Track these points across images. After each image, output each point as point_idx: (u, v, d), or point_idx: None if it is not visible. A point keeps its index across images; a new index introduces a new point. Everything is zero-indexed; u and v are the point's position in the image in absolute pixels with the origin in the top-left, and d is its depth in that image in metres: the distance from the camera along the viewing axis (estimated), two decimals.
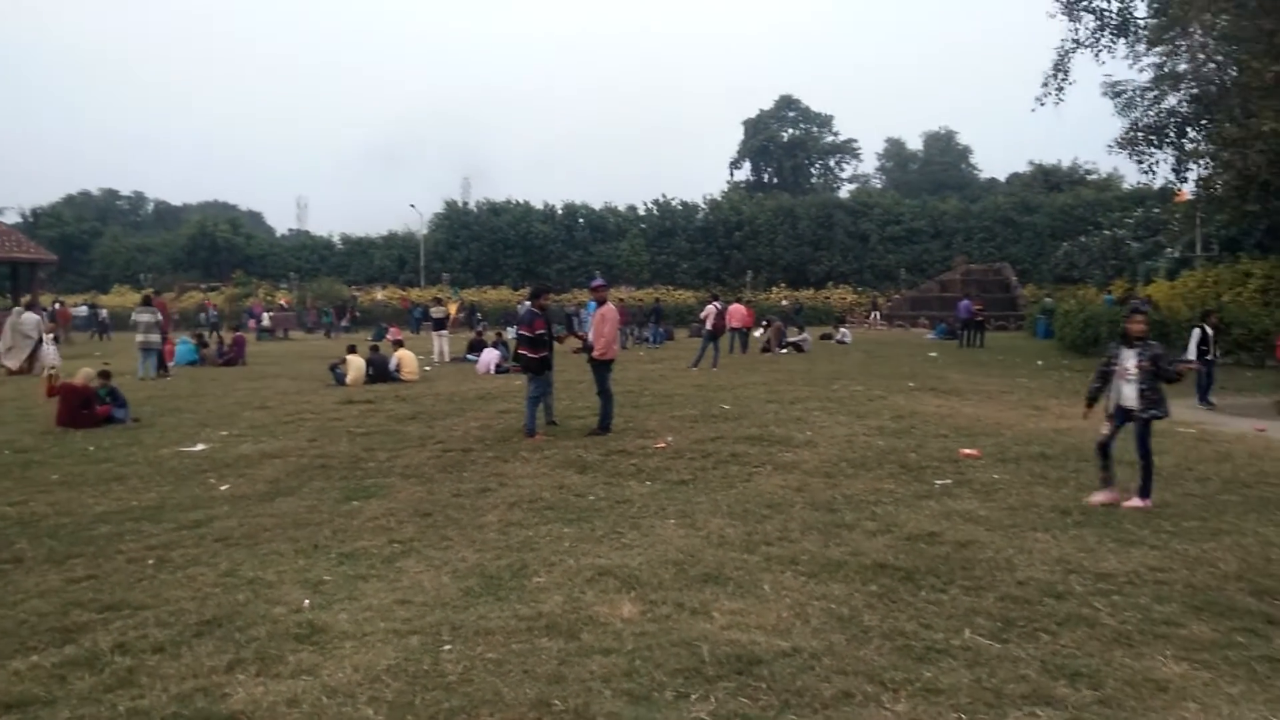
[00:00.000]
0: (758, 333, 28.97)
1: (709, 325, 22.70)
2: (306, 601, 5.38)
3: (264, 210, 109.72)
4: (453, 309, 36.29)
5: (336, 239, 63.70)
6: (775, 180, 75.32)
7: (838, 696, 4.07)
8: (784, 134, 77.01)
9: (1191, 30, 21.04)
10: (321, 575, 5.91)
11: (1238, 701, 4.00)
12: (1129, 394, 7.57)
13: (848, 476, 8.88)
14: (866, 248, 56.20)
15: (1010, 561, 6.03)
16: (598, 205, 61.78)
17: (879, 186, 77.81)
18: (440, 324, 25.89)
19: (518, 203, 61.06)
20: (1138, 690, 4.11)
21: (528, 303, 12.61)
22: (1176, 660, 4.44)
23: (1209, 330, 14.76)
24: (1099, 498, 7.65)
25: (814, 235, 56.89)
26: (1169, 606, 5.18)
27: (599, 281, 12.71)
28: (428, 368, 21.84)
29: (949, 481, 8.60)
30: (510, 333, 25.14)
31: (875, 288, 54.06)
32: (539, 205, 61.00)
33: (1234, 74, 21.21)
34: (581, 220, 60.73)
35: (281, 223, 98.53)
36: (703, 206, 61.04)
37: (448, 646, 4.68)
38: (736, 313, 25.61)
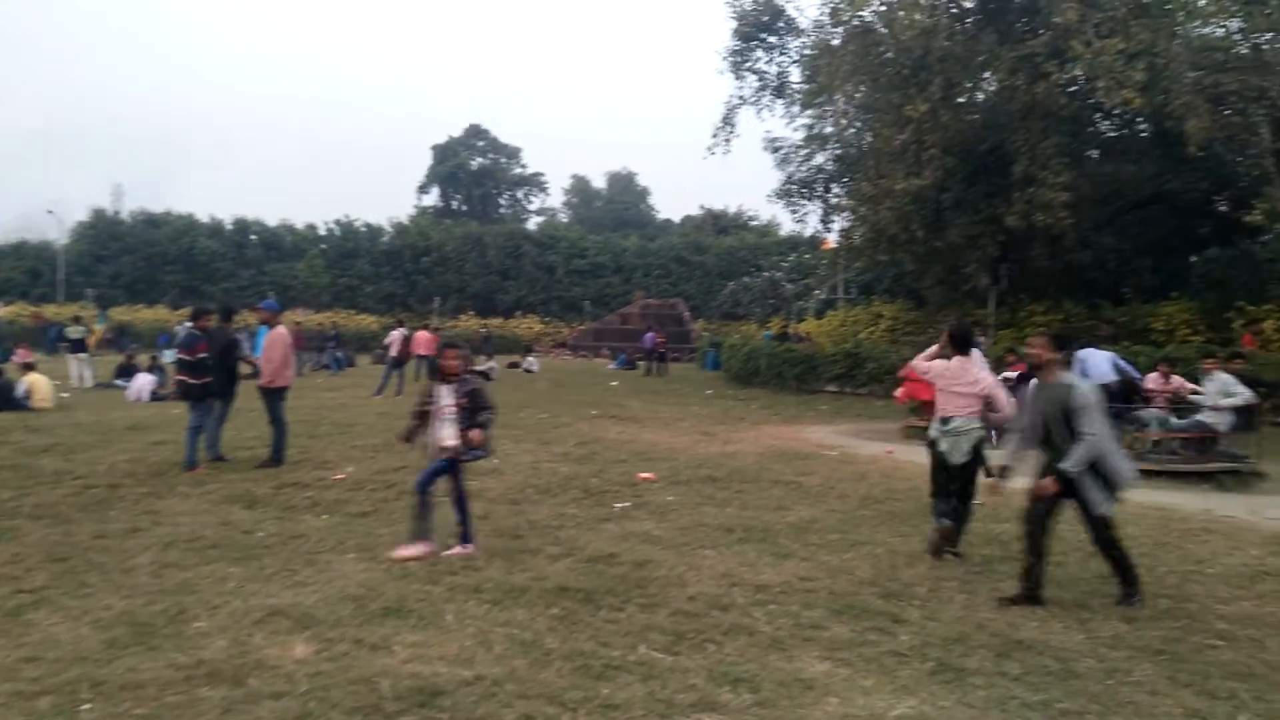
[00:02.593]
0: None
1: (393, 352, 22.12)
2: None
3: None
4: (98, 330, 32.44)
5: None
6: (464, 208, 75.23)
7: None
8: (473, 162, 77.19)
9: (836, 98, 23.78)
10: None
11: (870, 693, 4.51)
12: (447, 433, 6.96)
13: (533, 502, 9.01)
14: (553, 279, 57.57)
15: (682, 578, 6.40)
16: (273, 222, 58.27)
17: (565, 220, 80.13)
18: (78, 345, 23.12)
19: (180, 215, 56.07)
20: (789, 690, 4.52)
21: (189, 323, 11.61)
22: (821, 660, 4.94)
23: None
24: (407, 551, 6.79)
25: (502, 264, 57.39)
26: (815, 612, 5.75)
27: (269, 303, 11.98)
28: (65, 394, 19.36)
29: (628, 504, 8.98)
30: (168, 356, 22.94)
31: (561, 318, 55.48)
32: (205, 219, 56.42)
33: (870, 139, 24.23)
34: (254, 237, 56.91)
35: None
36: (388, 229, 59.52)
37: (87, 706, 4.16)
38: (422, 339, 25.14)
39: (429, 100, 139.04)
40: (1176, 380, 12.99)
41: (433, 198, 77.74)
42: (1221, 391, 11.78)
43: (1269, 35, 19.47)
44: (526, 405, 18.97)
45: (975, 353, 7.96)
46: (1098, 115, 22.99)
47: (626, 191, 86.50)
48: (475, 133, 78.63)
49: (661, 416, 17.61)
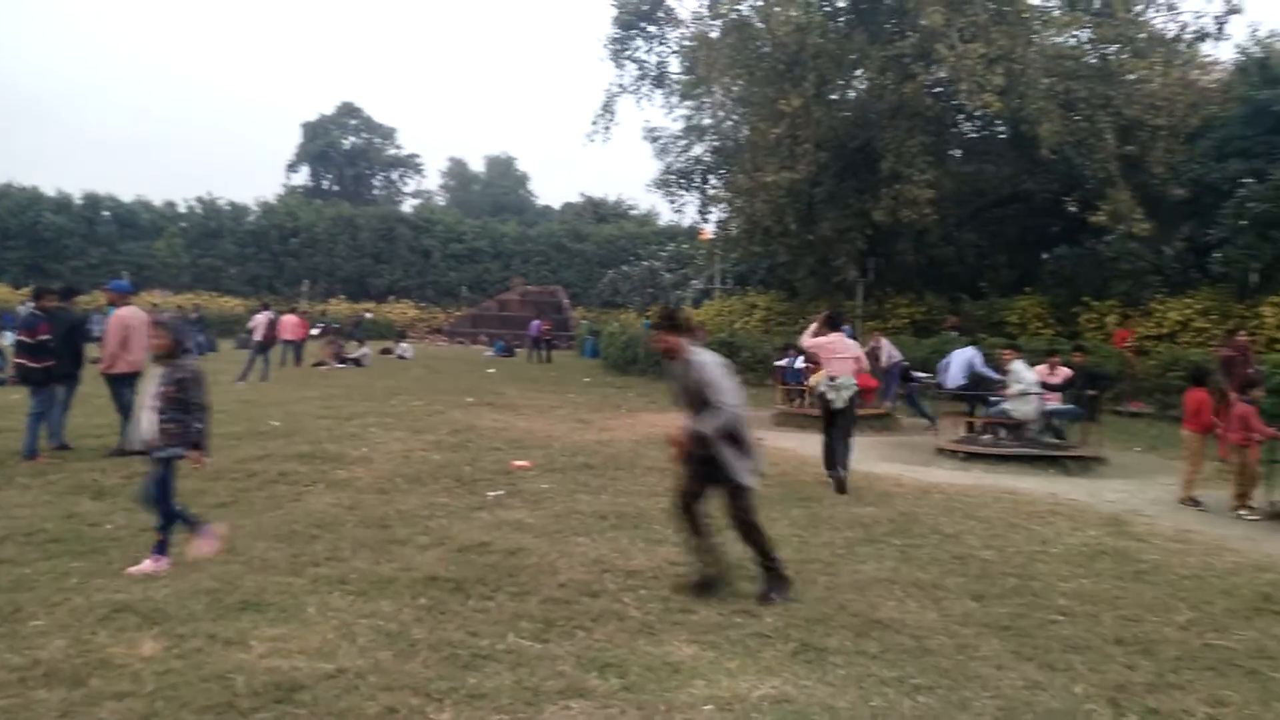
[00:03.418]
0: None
1: (258, 336, 21.28)
2: None
3: None
4: None
5: None
6: (336, 188, 72.87)
7: (382, 713, 4.02)
8: (345, 141, 74.82)
9: (714, 90, 24.09)
10: None
11: (735, 675, 4.60)
12: (148, 425, 6.14)
13: (403, 492, 8.82)
14: (429, 263, 56.39)
15: (553, 565, 6.38)
16: (127, 198, 55.09)
17: (442, 204, 78.64)
18: None
19: (22, 188, 52.40)
20: (657, 674, 4.56)
21: (31, 303, 10.88)
22: (689, 643, 5.01)
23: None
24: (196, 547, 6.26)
25: (376, 247, 55.85)
26: (684, 596, 5.82)
27: (117, 283, 11.33)
28: None
29: (501, 493, 8.90)
30: (8, 339, 21.44)
31: (437, 304, 54.47)
32: (51, 193, 52.92)
33: (746, 132, 24.64)
34: (107, 214, 53.70)
35: None
36: (254, 209, 57.10)
37: None
38: (288, 324, 24.29)
39: (296, 77, 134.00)
40: (1063, 371, 13.57)
41: (302, 177, 75.05)
42: (1015, 381, 12.47)
43: (1115, 46, 20.72)
44: (399, 392, 18.57)
45: (844, 330, 11.11)
46: (960, 116, 24.00)
47: (506, 176, 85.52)
48: (348, 111, 76.22)
49: (538, 404, 17.52)
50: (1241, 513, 9.23)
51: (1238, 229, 19.28)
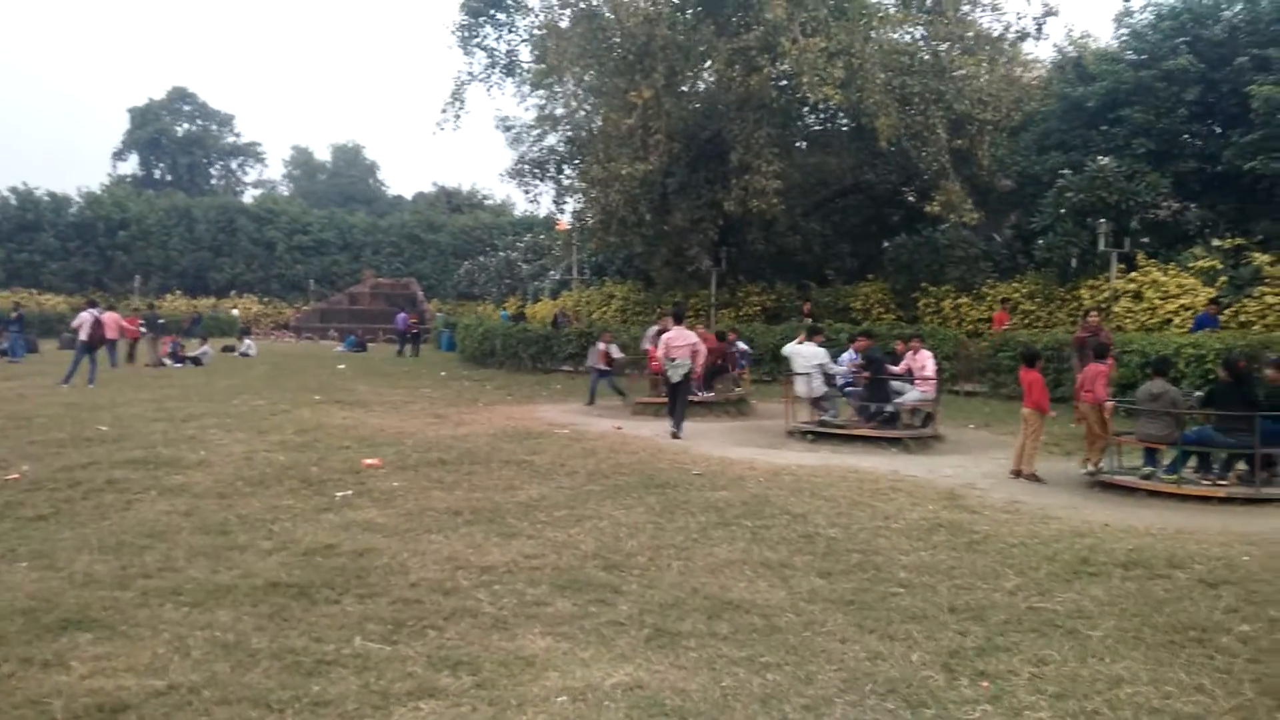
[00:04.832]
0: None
1: (83, 335, 19.88)
2: None
3: None
4: None
5: None
6: (169, 178, 68.89)
7: None
8: (178, 128, 70.79)
9: (565, 80, 23.98)
10: None
11: (589, 664, 4.60)
12: None
13: (244, 495, 8.42)
14: (273, 256, 54.04)
15: (404, 565, 6.23)
16: None
17: (286, 194, 75.52)
18: None
19: None
20: (510, 669, 4.52)
21: None
22: (543, 636, 4.98)
23: (603, 346, 17.15)
24: None
25: (215, 240, 53.11)
26: (540, 589, 5.79)
27: None
28: None
29: (350, 492, 8.62)
30: None
31: (283, 298, 52.32)
32: None
33: (599, 122, 24.65)
34: None
35: None
36: (77, 199, 53.28)
37: None
38: (110, 322, 22.74)
39: (119, 62, 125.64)
40: (923, 355, 13.98)
41: (131, 166, 70.66)
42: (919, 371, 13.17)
43: (946, 44, 21.77)
44: (241, 392, 17.74)
45: (684, 324, 14.22)
46: (805, 109, 24.69)
47: (354, 165, 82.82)
48: (180, 96, 72.14)
49: (391, 400, 17.08)
50: (1089, 469, 9.93)
51: (1058, 217, 20.60)
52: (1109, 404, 10.15)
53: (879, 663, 4.67)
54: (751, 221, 23.45)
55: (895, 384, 13.08)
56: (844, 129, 25.29)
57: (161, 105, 71.00)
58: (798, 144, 26.05)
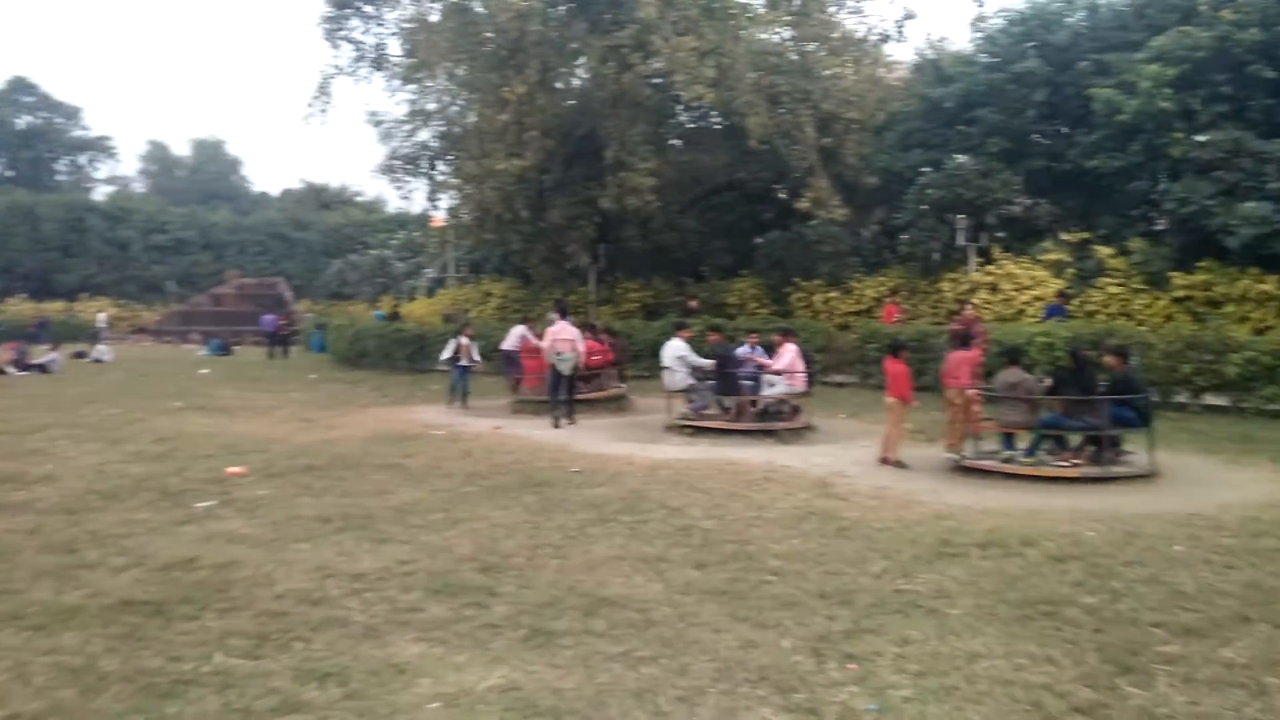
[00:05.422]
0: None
1: None
2: None
3: None
4: None
5: None
6: (10, 173, 64.46)
7: None
8: (18, 121, 66.28)
9: (436, 74, 23.53)
10: None
11: (463, 669, 4.53)
12: None
13: (95, 510, 7.95)
14: (128, 257, 51.22)
15: (270, 576, 6.00)
16: None
17: (141, 191, 71.74)
18: None
19: None
20: (381, 678, 4.41)
21: None
22: (416, 642, 4.88)
23: (465, 341, 16.77)
24: None
25: (63, 240, 49.95)
26: (413, 594, 5.67)
27: None
28: None
29: (213, 503, 8.25)
30: None
31: (140, 300, 49.68)
32: None
33: (473, 118, 24.31)
34: None
35: None
36: None
37: None
38: None
39: None
40: (785, 349, 14.18)
41: None
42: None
43: (813, 45, 22.36)
44: (93, 400, 16.77)
45: (569, 319, 14.71)
46: (679, 107, 24.96)
47: (215, 161, 79.26)
48: (20, 87, 67.50)
49: (257, 405, 16.44)
50: (953, 455, 10.34)
51: (920, 213, 21.44)
52: (971, 392, 10.63)
53: (751, 651, 4.76)
54: (628, 219, 23.55)
55: (768, 377, 13.31)
56: (717, 127, 25.65)
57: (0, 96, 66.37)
58: (672, 142, 26.30)
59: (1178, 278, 17.45)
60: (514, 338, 17.00)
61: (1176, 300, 17.47)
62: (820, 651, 4.75)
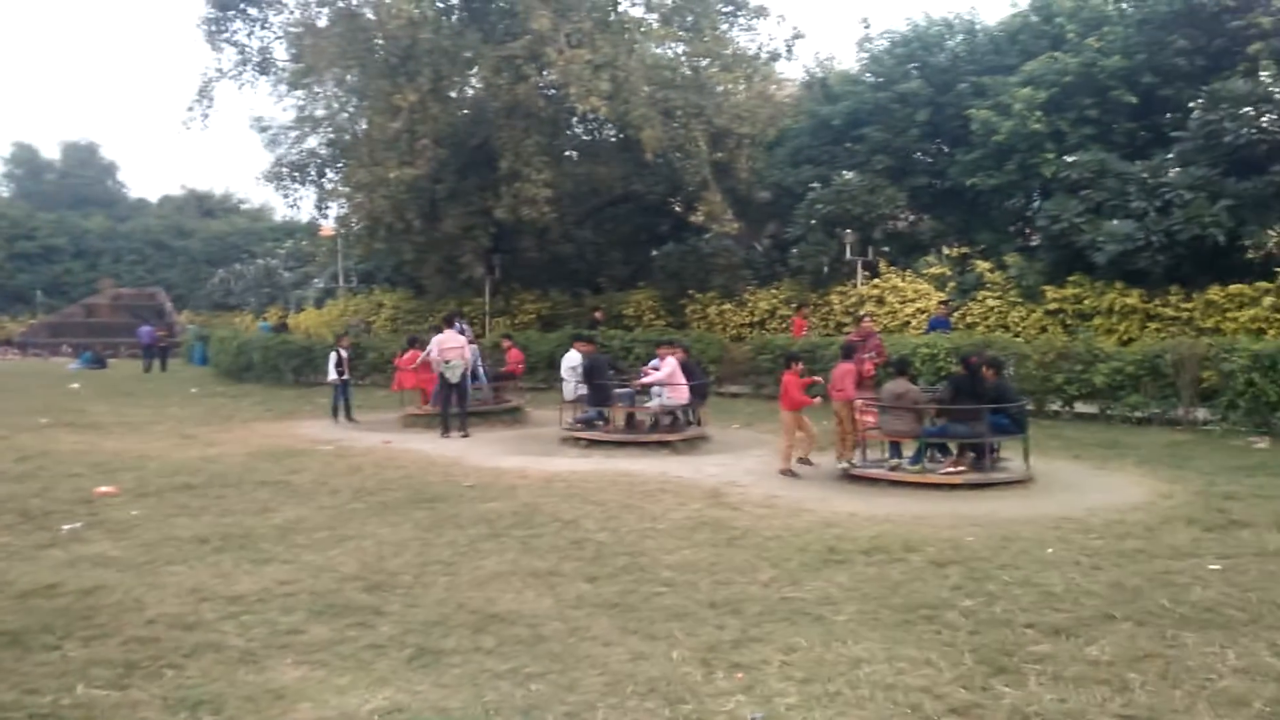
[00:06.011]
0: None
1: None
2: None
3: None
4: None
5: None
6: None
7: None
8: None
9: (325, 80, 22.98)
10: None
11: (345, 691, 4.40)
12: None
13: None
14: None
15: (140, 601, 5.72)
16: None
17: (6, 196, 67.78)
18: None
19: None
20: (257, 704, 4.24)
21: None
22: (296, 666, 4.71)
23: (343, 353, 16.28)
24: None
25: None
26: (294, 616, 5.48)
27: None
28: None
29: (79, 525, 7.84)
30: None
31: (5, 311, 46.89)
32: None
33: (363, 125, 23.79)
34: None
35: None
36: None
37: None
38: None
39: None
40: (666, 361, 14.21)
41: None
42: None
43: (706, 61, 22.67)
44: None
45: (456, 327, 14.91)
46: (574, 119, 24.95)
47: (88, 165, 75.39)
48: None
49: (132, 420, 15.69)
50: (842, 465, 10.56)
51: (809, 228, 21.93)
52: (858, 402, 10.91)
53: (641, 663, 4.76)
54: (524, 229, 23.42)
55: (655, 389, 13.34)
56: (613, 140, 25.76)
57: None
58: (568, 153, 26.27)
59: (1050, 291, 18.28)
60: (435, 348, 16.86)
61: (1049, 313, 18.29)
62: (709, 661, 4.78)
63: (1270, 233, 15.58)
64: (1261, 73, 16.18)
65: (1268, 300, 15.41)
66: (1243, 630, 5.15)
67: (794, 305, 22.49)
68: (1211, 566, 6.40)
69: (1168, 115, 19.25)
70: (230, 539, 7.36)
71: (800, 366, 11.43)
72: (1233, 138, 15.91)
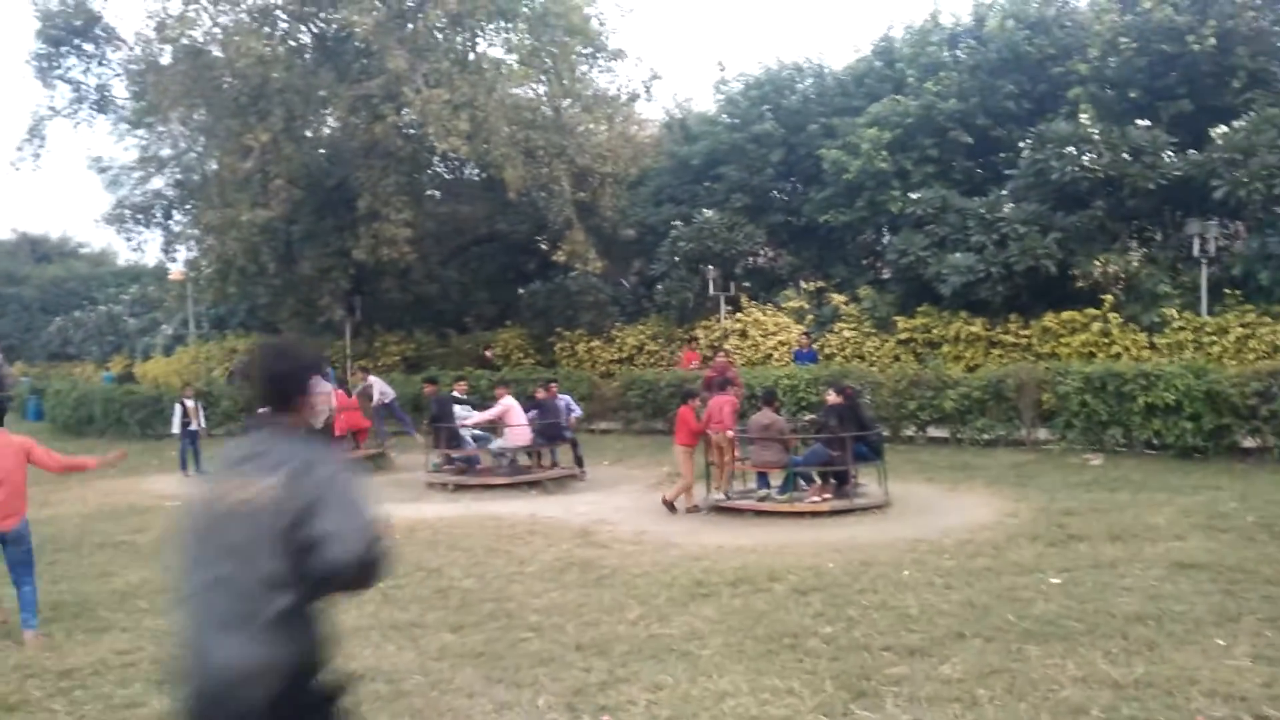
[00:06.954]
0: None
1: None
2: None
3: None
4: None
5: None
6: None
7: None
8: None
9: (170, 119, 22.07)
10: None
11: None
12: None
13: None
14: None
15: None
16: None
17: None
18: None
19: None
20: None
21: None
22: None
23: (188, 403, 15.58)
24: None
25: None
26: (131, 688, 5.14)
27: None
28: None
29: None
30: None
31: None
32: None
33: (213, 165, 22.91)
34: None
35: None
36: None
37: None
38: None
39: None
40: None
41: None
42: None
43: (567, 101, 22.89)
44: None
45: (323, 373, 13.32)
46: (435, 158, 24.73)
47: None
48: None
49: None
50: (717, 496, 10.65)
51: (673, 264, 22.32)
52: (730, 433, 11.07)
53: (506, 713, 4.67)
54: (385, 270, 22.94)
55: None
56: (475, 179, 25.64)
57: None
58: (430, 192, 25.98)
59: (901, 321, 19.12)
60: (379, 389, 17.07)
61: (901, 342, 19.12)
62: (575, 706, 4.73)
63: (1096, 263, 16.75)
64: (1081, 115, 17.47)
65: (1096, 326, 16.58)
66: (1081, 640, 5.44)
67: (660, 340, 22.80)
68: (1053, 580, 6.76)
69: (1001, 154, 20.55)
70: (62, 608, 6.87)
71: (696, 402, 11.54)
72: (1059, 175, 17.08)
